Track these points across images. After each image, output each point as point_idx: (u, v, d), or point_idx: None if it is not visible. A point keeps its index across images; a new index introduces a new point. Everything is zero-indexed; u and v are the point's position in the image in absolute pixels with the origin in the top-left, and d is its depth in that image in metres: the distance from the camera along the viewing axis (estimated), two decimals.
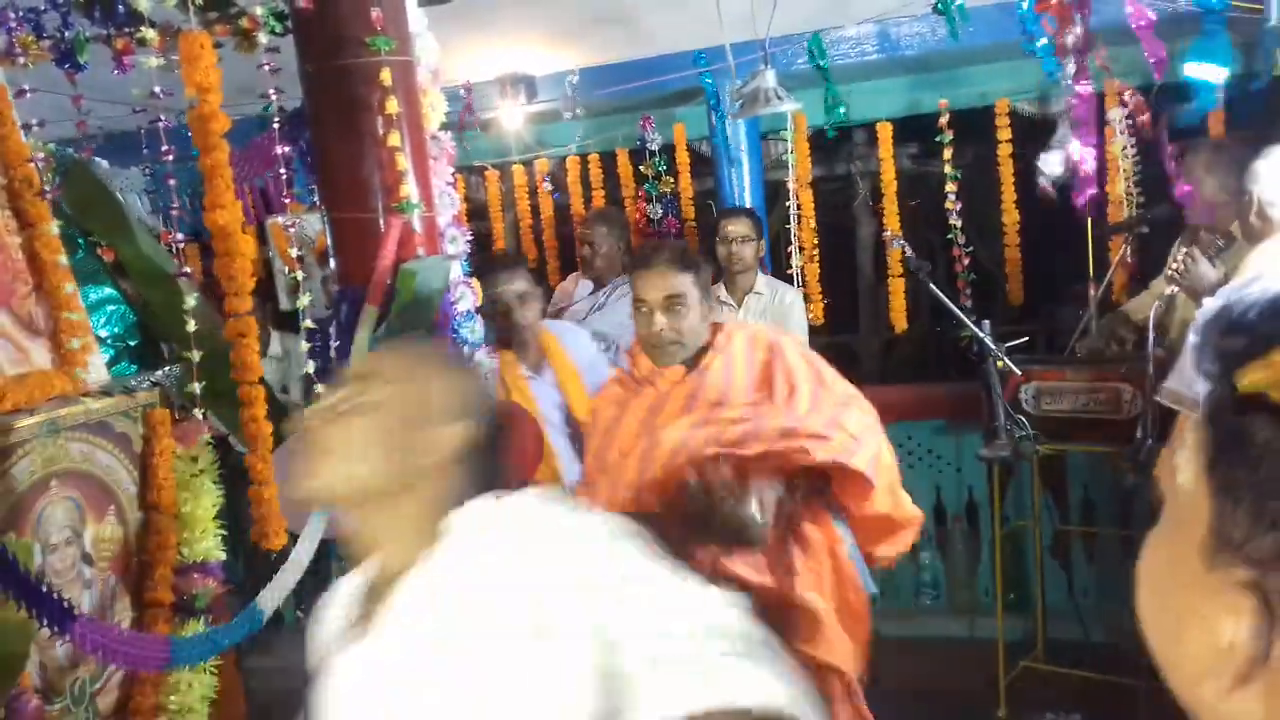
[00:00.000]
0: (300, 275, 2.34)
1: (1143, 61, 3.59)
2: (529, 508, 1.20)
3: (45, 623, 1.70)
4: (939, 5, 3.41)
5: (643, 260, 2.32)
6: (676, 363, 2.28)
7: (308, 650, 1.31)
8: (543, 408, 3.01)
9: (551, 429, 2.97)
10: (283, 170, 2.47)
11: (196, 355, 2.16)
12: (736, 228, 4.18)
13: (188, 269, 2.23)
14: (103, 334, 2.41)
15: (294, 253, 2.46)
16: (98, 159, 2.85)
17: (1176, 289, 2.97)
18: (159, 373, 2.29)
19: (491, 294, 2.92)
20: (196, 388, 2.18)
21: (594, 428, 2.39)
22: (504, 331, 3.01)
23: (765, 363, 2.27)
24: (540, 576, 1.09)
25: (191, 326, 2.16)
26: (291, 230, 2.45)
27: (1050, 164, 4.12)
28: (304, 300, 2.38)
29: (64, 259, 2.19)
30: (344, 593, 1.30)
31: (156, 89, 2.09)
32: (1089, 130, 2.82)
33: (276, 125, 2.50)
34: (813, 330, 4.47)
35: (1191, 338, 0.70)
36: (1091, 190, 2.95)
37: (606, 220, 4.68)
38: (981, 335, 3.59)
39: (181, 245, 2.19)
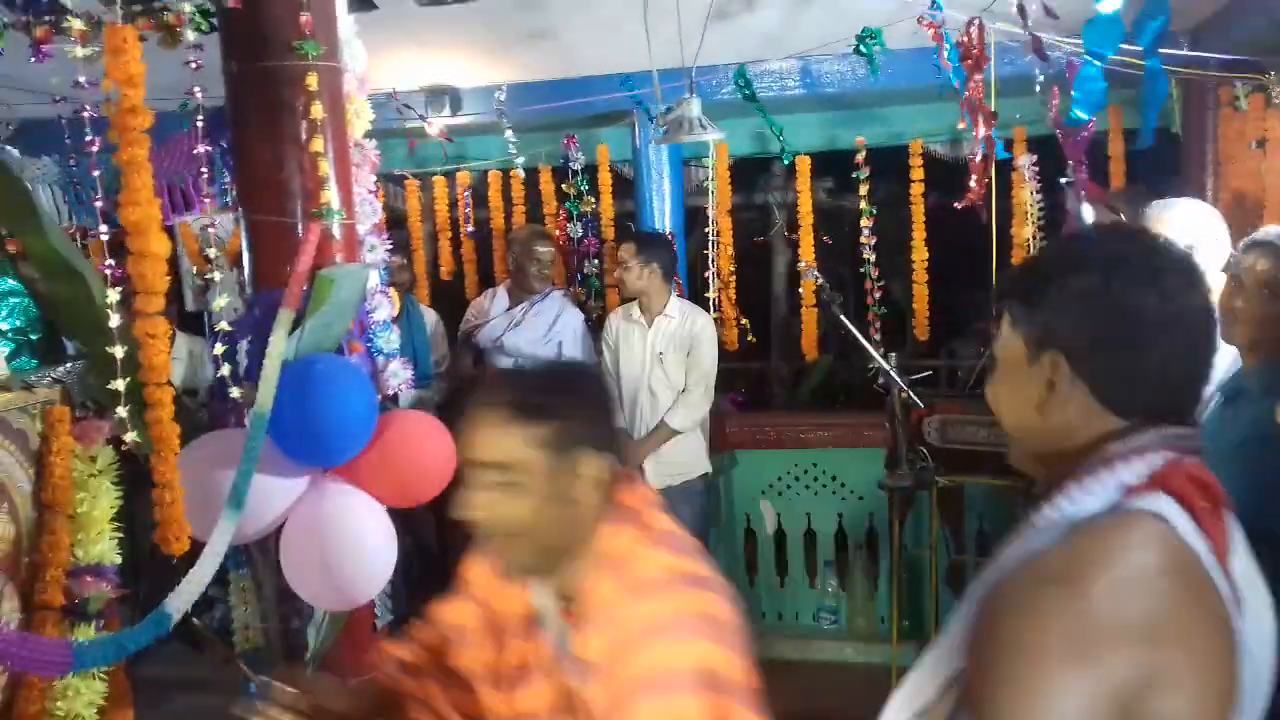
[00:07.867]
0: (218, 276, 2.30)
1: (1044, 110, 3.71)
2: None
3: None
4: (860, 47, 3.52)
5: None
6: None
7: None
8: None
9: None
10: (204, 169, 2.42)
11: (120, 350, 2.10)
12: (620, 252, 4.30)
13: (111, 262, 2.15)
14: (3, 327, 2.34)
15: (211, 253, 2.40)
16: (7, 147, 2.76)
17: None
18: (60, 369, 2.22)
19: None
20: (121, 384, 2.11)
21: None
22: None
23: None
24: None
25: (115, 321, 2.09)
26: (211, 230, 2.40)
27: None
28: (221, 301, 2.33)
29: None
30: None
31: (82, 79, 2.04)
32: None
33: (200, 122, 2.45)
34: (725, 356, 4.53)
35: None
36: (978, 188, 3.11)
37: (548, 237, 4.76)
38: (887, 368, 3.71)
39: (106, 239, 2.11)
